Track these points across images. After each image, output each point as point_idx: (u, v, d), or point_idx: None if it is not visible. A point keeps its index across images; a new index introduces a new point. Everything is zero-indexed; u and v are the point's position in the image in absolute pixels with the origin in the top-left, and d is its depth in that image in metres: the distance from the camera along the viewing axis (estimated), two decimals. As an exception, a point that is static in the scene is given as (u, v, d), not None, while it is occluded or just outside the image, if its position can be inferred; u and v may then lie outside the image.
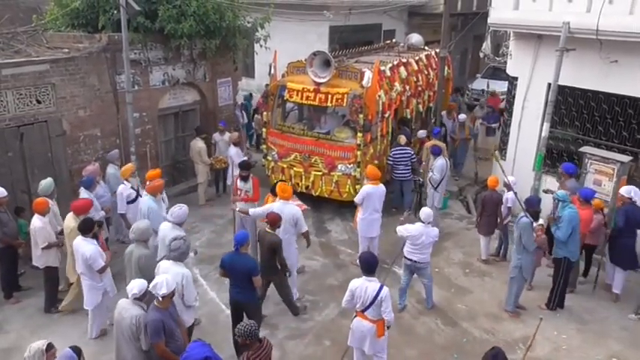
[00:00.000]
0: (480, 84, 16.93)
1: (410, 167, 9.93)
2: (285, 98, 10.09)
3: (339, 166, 9.64)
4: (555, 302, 7.43)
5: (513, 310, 7.37)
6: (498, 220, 8.41)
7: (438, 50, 12.23)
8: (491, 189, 8.46)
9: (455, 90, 15.00)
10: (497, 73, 18.15)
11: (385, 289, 5.48)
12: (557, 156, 9.88)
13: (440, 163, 9.44)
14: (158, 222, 6.77)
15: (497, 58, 16.17)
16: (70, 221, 6.64)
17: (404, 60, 11.32)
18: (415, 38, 13.47)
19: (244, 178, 7.86)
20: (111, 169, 8.37)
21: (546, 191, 8.37)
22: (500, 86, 15.58)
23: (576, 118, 9.57)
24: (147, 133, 10.07)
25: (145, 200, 7.15)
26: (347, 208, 9.94)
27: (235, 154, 9.95)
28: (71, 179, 8.64)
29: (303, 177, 10.04)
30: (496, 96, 15.19)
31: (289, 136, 10.13)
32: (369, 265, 5.51)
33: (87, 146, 9.09)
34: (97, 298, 6.39)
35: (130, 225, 7.79)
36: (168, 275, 5.10)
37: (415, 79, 11.43)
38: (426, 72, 12.06)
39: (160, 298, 4.96)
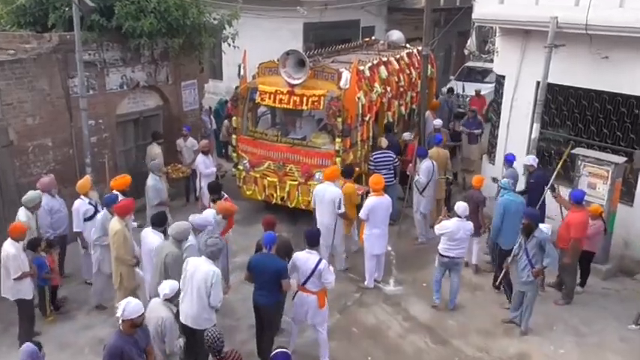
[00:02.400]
0: (454, 87, 16.77)
1: (393, 172, 10.01)
2: (256, 102, 10.07)
3: (317, 175, 9.56)
4: (496, 280, 7.96)
5: (527, 328, 7.38)
6: (482, 222, 8.59)
7: (420, 48, 12.35)
8: (475, 188, 8.59)
9: (448, 90, 15.13)
10: (473, 74, 18.52)
11: (324, 262, 6.23)
12: (549, 158, 10.05)
13: (426, 165, 9.49)
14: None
15: (483, 56, 16.47)
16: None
17: (384, 59, 11.38)
18: (396, 35, 13.57)
19: (215, 201, 7.78)
20: (151, 181, 8.51)
21: (552, 189, 8.40)
22: (478, 89, 15.76)
23: (567, 117, 9.75)
24: (104, 142, 9.93)
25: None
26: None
27: (202, 164, 9.89)
28: (19, 194, 8.44)
29: (278, 187, 10.00)
30: (481, 97, 15.31)
31: (261, 142, 10.10)
32: (313, 238, 6.35)
33: (37, 157, 8.92)
34: None
35: (87, 244, 7.73)
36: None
37: (397, 80, 11.52)
38: (408, 71, 12.15)
39: (120, 323, 4.94)
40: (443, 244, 7.60)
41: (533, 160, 9.03)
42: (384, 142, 10.36)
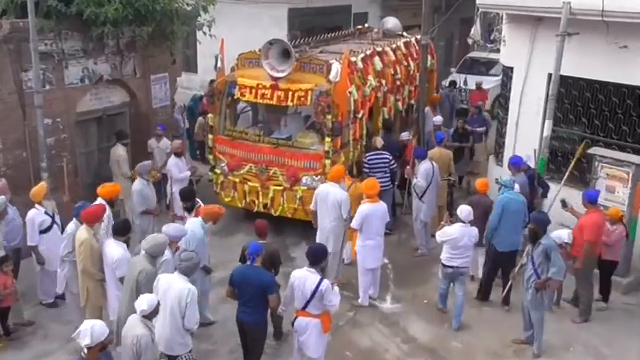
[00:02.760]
0: (455, 80, 16.78)
1: (389, 175, 10.05)
2: (235, 97, 10.07)
3: (304, 179, 9.64)
4: (482, 293, 8.31)
5: (540, 351, 7.40)
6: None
7: (418, 37, 12.42)
8: (480, 193, 8.67)
9: (450, 83, 15.20)
10: (476, 65, 18.57)
11: (326, 283, 6.03)
12: (563, 159, 10.13)
13: (425, 167, 9.53)
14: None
15: (489, 45, 16.60)
16: None
17: (379, 49, 11.41)
18: (391, 23, 13.61)
19: (189, 209, 7.76)
20: (138, 185, 8.46)
21: (563, 204, 8.53)
22: (478, 81, 15.86)
23: (582, 113, 9.83)
24: (62, 144, 9.84)
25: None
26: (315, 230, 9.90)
27: (174, 166, 9.86)
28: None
29: (260, 193, 10.00)
30: (482, 90, 15.40)
31: (241, 143, 10.10)
32: (316, 256, 6.11)
33: (-15, 161, 8.86)
34: None
35: (43, 260, 7.66)
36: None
37: (393, 72, 11.55)
38: (405, 63, 12.19)
39: (85, 350, 4.89)
40: (445, 252, 7.72)
41: (527, 157, 9.38)
42: (379, 141, 10.39)
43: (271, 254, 6.93)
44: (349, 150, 10.19)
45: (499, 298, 8.40)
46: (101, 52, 10.18)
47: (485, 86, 16.00)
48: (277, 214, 9.92)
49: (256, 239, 7.09)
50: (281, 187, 9.81)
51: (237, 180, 10.12)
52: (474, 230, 7.72)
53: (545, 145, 9.41)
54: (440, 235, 7.72)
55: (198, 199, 7.95)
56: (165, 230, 6.77)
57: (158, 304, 5.55)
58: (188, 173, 9.69)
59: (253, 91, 9.75)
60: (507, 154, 10.71)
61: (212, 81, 12.45)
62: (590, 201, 7.98)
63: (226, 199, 10.23)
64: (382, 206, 8.21)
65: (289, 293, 6.29)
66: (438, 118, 11.97)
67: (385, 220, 8.30)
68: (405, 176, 9.96)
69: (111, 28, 9.61)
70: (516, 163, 9.09)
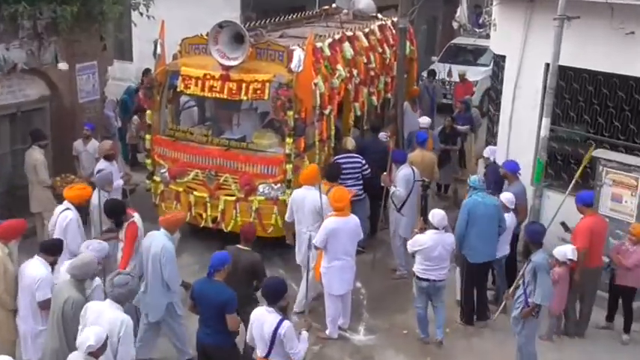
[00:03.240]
0: (437, 71, 16.75)
1: (361, 182, 10.08)
2: (178, 90, 10.04)
3: (261, 188, 9.62)
4: (465, 315, 8.53)
5: None
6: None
7: (395, 20, 12.50)
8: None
9: (429, 73, 15.36)
10: (463, 53, 18.76)
11: (286, 324, 5.91)
12: (563, 163, 10.24)
13: (404, 173, 9.57)
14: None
15: (477, 30, 16.78)
16: None
17: (349, 33, 11.46)
18: (364, 3, 13.67)
19: (118, 227, 7.72)
20: (96, 200, 8.22)
21: (565, 227, 8.70)
22: (469, 74, 16.03)
23: (584, 110, 9.96)
24: (-34, 146, 9.62)
25: None
26: (276, 248, 9.83)
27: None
28: None
29: (209, 205, 9.92)
30: (467, 82, 15.53)
31: (186, 145, 10.05)
32: (275, 293, 6.01)
33: None
34: None
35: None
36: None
37: (366, 60, 11.60)
38: (380, 50, 12.26)
39: None
40: (418, 264, 7.89)
41: (491, 152, 10.01)
42: (350, 142, 10.38)
43: (253, 264, 7.04)
44: (314, 152, 10.21)
45: (489, 322, 8.48)
46: (14, 36, 9.97)
47: (472, 78, 16.16)
48: (229, 229, 9.82)
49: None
50: (233, 198, 9.75)
51: (180, 189, 10.05)
52: (450, 237, 7.88)
53: (542, 147, 9.47)
54: (411, 245, 7.89)
55: (134, 214, 7.82)
56: (88, 245, 6.68)
57: (107, 337, 5.50)
58: (121, 182, 9.54)
59: (200, 82, 9.71)
60: (501, 158, 10.77)
61: (147, 70, 12.34)
62: (585, 203, 8.17)
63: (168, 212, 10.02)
64: (352, 220, 8.17)
65: (250, 337, 6.21)
66: (425, 120, 11.96)
67: (357, 237, 8.27)
68: (382, 184, 9.96)
69: (26, 6, 9.44)
70: (512, 169, 9.17)
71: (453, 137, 12.43)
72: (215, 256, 6.58)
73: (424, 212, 9.61)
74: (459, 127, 12.60)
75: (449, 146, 12.34)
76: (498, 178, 9.41)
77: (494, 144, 11.10)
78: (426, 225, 8.16)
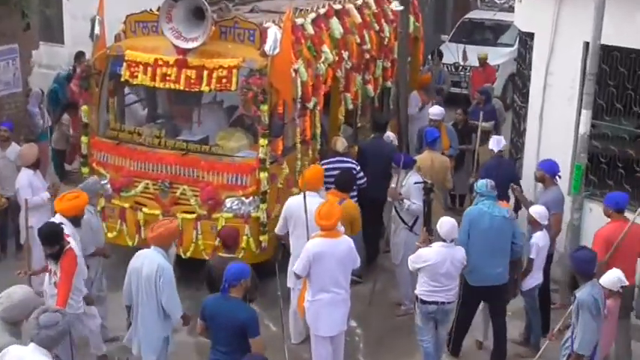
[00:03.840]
0: (448, 53, 16.93)
1: (356, 193, 10.01)
2: (122, 79, 10.00)
3: (228, 202, 9.58)
4: (451, 343, 8.62)
5: None
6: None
7: (395, -11, 12.46)
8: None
9: (434, 54, 15.28)
10: (479, 31, 18.81)
11: None
12: (608, 167, 10.17)
13: (416, 180, 9.53)
14: None
15: (498, 2, 16.76)
16: None
17: (337, 6, 11.42)
18: (355, -32, 13.64)
19: (54, 257, 7.67)
20: (85, 214, 8.38)
21: None
22: (489, 57, 15.90)
23: (634, 101, 9.87)
24: None
25: None
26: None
27: (27, 187, 9.60)
28: None
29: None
30: (488, 68, 15.41)
31: (132, 149, 10.01)
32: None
33: None
34: None
35: None
36: None
37: (359, 40, 11.55)
38: (377, 27, 12.21)
39: None
40: (423, 285, 8.01)
41: (497, 143, 10.30)
42: (340, 143, 10.33)
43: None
44: (295, 157, 10.15)
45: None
46: None
47: (492, 61, 16.08)
48: (188, 255, 9.74)
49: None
50: (193, 215, 9.70)
51: (126, 205, 10.00)
52: (460, 251, 8.02)
53: (582, 147, 9.39)
54: (414, 261, 8.02)
55: (69, 238, 7.75)
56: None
57: None
58: (46, 196, 9.33)
59: (149, 69, 9.67)
60: (528, 161, 10.79)
61: (82, 54, 12.24)
62: (618, 207, 8.35)
63: (110, 235, 10.02)
64: (344, 243, 8.00)
65: None
66: (437, 110, 11.73)
67: (351, 264, 8.10)
68: (389, 199, 9.84)
69: None
70: (552, 171, 9.15)
71: (467, 135, 12.31)
72: (229, 269, 6.75)
73: (427, 221, 9.50)
74: (482, 123, 12.38)
75: (463, 146, 12.25)
76: (506, 179, 9.47)
77: (522, 144, 11.03)
78: (431, 237, 8.22)
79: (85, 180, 9.02)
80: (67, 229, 7.79)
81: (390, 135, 11.34)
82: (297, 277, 8.07)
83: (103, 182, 9.96)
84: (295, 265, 7.98)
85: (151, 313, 7.37)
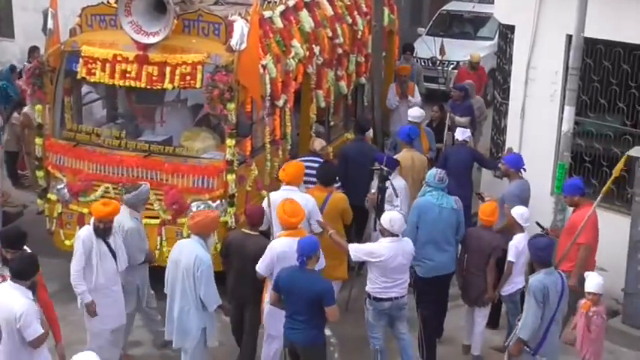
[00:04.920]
0: (425, 47, 17.02)
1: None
2: (78, 76, 9.95)
3: (194, 206, 9.33)
4: (424, 350, 8.83)
5: None
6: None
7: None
8: (484, 224, 8.85)
9: (405, 48, 15.26)
10: (458, 23, 18.85)
11: None
12: (592, 165, 10.22)
13: (400, 185, 9.57)
14: None
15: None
16: None
17: (307, -2, 11.43)
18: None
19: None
20: (128, 222, 8.64)
21: (540, 227, 9.04)
22: (468, 50, 16.00)
23: (619, 96, 9.91)
24: None
25: None
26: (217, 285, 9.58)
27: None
28: None
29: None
30: (478, 69, 15.17)
31: (91, 150, 9.97)
32: None
33: None
34: None
35: None
36: None
37: (330, 34, 11.52)
38: (349, 20, 12.16)
39: None
40: (374, 282, 8.19)
41: (462, 133, 10.72)
42: (317, 142, 10.37)
43: (259, 250, 7.88)
44: (265, 157, 10.13)
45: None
46: None
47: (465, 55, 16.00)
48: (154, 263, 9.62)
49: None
50: (157, 221, 9.68)
51: (84, 210, 9.86)
52: (409, 244, 8.26)
53: (565, 145, 9.39)
54: (357, 256, 8.26)
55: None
56: None
57: None
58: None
59: (108, 66, 9.63)
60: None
61: (34, 49, 12.00)
62: (581, 193, 8.72)
63: (67, 243, 9.90)
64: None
65: None
66: (415, 112, 11.65)
67: (318, 265, 8.11)
68: (366, 204, 9.89)
69: None
70: (516, 165, 9.39)
71: (440, 132, 12.31)
72: (303, 241, 7.39)
73: (381, 209, 9.49)
74: (457, 118, 12.38)
75: (439, 144, 12.28)
76: (463, 165, 9.98)
77: (503, 141, 11.03)
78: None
79: (138, 190, 8.86)
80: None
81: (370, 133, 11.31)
82: (260, 275, 8.12)
83: (59, 187, 10.00)
84: (259, 264, 8.05)
85: (189, 303, 7.67)
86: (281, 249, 7.91)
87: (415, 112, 11.63)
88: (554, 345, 7.58)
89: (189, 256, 7.59)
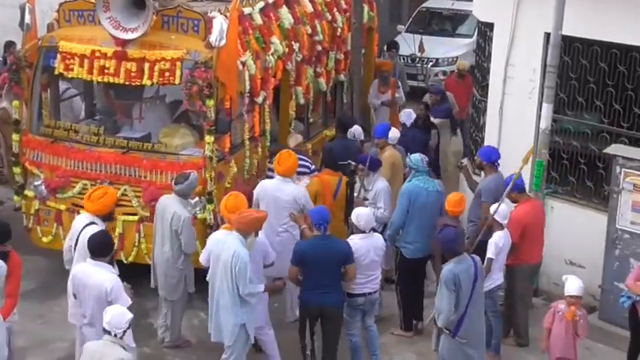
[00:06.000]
0: (404, 44, 16.75)
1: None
2: (56, 72, 9.95)
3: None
4: (403, 323, 9.37)
5: None
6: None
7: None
8: (449, 214, 8.80)
9: (389, 46, 15.33)
10: (438, 21, 18.91)
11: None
12: (570, 163, 10.30)
13: (382, 187, 9.57)
14: None
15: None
16: None
17: (287, -6, 11.41)
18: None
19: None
20: (183, 212, 8.77)
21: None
22: (447, 48, 16.16)
23: (597, 94, 10.00)
24: None
25: None
26: (197, 283, 9.34)
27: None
28: None
29: (102, 227, 9.70)
30: (466, 77, 14.84)
31: (69, 147, 9.95)
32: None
33: None
34: None
35: None
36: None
37: (310, 31, 11.56)
38: (329, 17, 12.21)
39: None
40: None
41: (406, 116, 11.02)
42: (294, 139, 10.38)
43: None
44: (244, 154, 10.17)
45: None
46: None
47: (450, 53, 16.12)
48: (130, 260, 9.69)
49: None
50: (135, 217, 9.68)
51: (62, 207, 9.91)
52: (380, 239, 8.49)
53: (543, 143, 9.51)
54: None
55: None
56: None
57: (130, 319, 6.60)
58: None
59: (86, 62, 9.62)
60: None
61: (10, 43, 12.09)
62: (519, 189, 8.90)
63: (45, 240, 10.01)
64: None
65: None
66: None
67: (261, 259, 8.25)
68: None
69: None
70: (491, 159, 9.40)
71: (427, 131, 12.22)
72: (315, 212, 8.16)
73: (350, 206, 9.60)
74: (436, 120, 12.49)
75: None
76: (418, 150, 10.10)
77: (482, 139, 11.08)
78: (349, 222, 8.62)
79: (192, 177, 8.95)
80: (100, 226, 8.07)
81: (355, 130, 11.25)
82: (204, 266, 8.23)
83: (36, 183, 10.00)
84: (202, 256, 8.22)
85: (227, 299, 7.71)
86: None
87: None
88: (475, 328, 7.72)
89: (228, 251, 7.67)
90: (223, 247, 7.72)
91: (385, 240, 8.80)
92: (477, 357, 7.75)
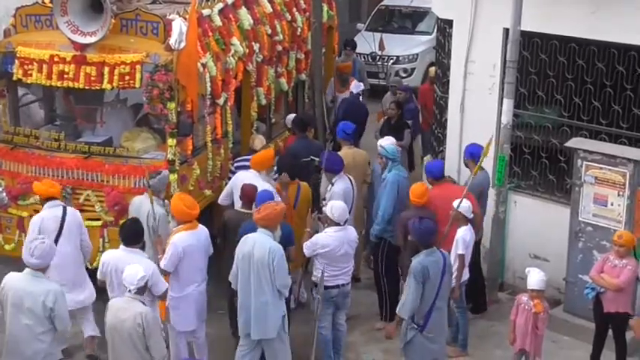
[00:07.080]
0: (364, 42, 16.87)
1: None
2: (14, 78, 9.89)
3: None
4: (386, 312, 9.52)
5: None
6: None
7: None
8: (414, 206, 8.90)
9: (346, 44, 15.36)
10: (397, 19, 19.04)
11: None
12: (532, 157, 10.42)
13: (342, 188, 9.55)
14: None
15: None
16: None
17: (246, -5, 11.41)
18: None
19: None
20: (158, 208, 8.89)
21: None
22: (407, 45, 16.26)
23: (556, 89, 10.14)
24: None
25: None
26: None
27: None
28: None
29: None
30: (431, 80, 14.45)
31: (30, 153, 9.93)
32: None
33: None
34: None
35: None
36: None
37: (270, 31, 11.58)
38: (288, 17, 12.25)
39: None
40: (324, 271, 8.40)
41: (357, 86, 11.60)
42: (259, 141, 10.43)
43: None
44: (207, 156, 10.19)
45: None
46: None
47: (410, 50, 16.20)
48: (95, 265, 9.37)
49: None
50: (99, 223, 9.63)
51: (24, 214, 9.83)
52: (353, 232, 8.69)
53: (504, 137, 9.62)
54: (309, 247, 8.54)
55: None
56: None
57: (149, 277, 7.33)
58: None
59: (45, 67, 9.57)
60: (451, 152, 10.97)
61: None
62: (433, 176, 9.43)
63: (7, 247, 9.98)
64: (204, 232, 8.47)
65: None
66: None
67: (208, 253, 8.53)
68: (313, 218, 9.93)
69: None
70: (469, 154, 9.55)
71: (400, 130, 12.06)
72: (261, 195, 8.39)
73: (316, 204, 9.73)
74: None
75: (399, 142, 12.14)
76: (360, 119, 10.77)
77: (444, 135, 11.16)
78: (320, 217, 8.80)
79: (161, 175, 9.04)
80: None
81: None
82: (165, 274, 8.22)
83: None
84: (163, 263, 8.24)
85: (268, 295, 7.85)
86: (186, 243, 8.18)
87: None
88: (440, 322, 7.86)
89: (261, 249, 7.79)
90: (254, 246, 7.83)
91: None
92: (439, 351, 7.89)
